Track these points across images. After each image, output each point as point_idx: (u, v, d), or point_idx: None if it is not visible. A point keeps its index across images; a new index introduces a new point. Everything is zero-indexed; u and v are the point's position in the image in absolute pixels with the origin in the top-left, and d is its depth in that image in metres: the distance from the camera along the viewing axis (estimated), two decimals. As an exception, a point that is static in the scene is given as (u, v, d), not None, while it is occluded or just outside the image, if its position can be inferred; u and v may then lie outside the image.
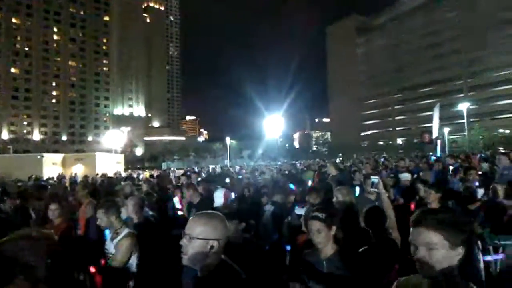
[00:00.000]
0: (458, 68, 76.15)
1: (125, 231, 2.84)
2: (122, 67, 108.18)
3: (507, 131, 55.34)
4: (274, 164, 26.78)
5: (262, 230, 4.24)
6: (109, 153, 28.96)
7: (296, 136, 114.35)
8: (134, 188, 6.23)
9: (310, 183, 8.62)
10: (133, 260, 2.75)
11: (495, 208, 3.64)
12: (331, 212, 2.16)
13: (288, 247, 3.48)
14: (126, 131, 64.09)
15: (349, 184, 5.96)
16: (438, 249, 1.26)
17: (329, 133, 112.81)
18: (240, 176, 11.56)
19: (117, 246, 2.74)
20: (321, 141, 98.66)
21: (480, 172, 7.13)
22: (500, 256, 2.87)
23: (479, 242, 3.13)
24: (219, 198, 4.50)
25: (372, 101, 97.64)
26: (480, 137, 51.32)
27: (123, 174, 17.88)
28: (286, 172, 12.01)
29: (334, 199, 4.05)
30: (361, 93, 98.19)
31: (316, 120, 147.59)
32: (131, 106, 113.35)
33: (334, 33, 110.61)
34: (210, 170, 19.86)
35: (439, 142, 14.07)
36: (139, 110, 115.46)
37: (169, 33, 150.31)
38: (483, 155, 14.81)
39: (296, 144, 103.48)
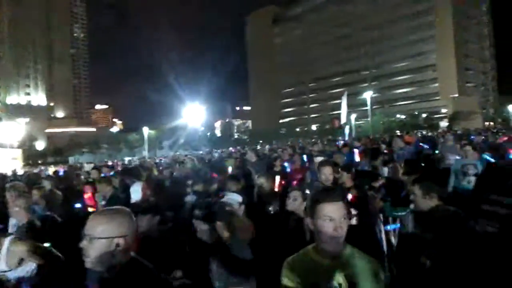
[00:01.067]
0: (363, 60, 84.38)
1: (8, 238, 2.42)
2: (16, 50, 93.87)
3: (403, 117, 63.65)
4: (195, 154, 26.36)
5: (184, 221, 4.11)
6: (3, 148, 25.22)
7: (218, 124, 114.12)
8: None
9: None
10: (27, 268, 2.37)
11: (394, 184, 4.10)
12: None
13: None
14: (24, 123, 56.65)
15: (266, 170, 6.13)
16: (346, 218, 1.49)
17: (250, 121, 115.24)
18: (160, 168, 11.07)
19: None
20: (242, 129, 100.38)
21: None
22: (397, 225, 3.21)
23: (381, 215, 3.51)
24: (136, 192, 4.20)
25: (289, 89, 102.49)
26: (381, 122, 58.01)
27: (20, 172, 15.67)
28: (207, 161, 11.89)
29: (257, 186, 4.12)
30: (279, 82, 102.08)
31: (238, 108, 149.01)
32: (28, 94, 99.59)
33: (252, 22, 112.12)
34: (126, 163, 18.65)
35: (347, 127, 15.40)
36: (38, 98, 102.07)
37: (73, 12, 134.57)
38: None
39: (218, 132, 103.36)
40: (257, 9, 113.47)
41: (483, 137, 12.89)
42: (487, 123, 63.78)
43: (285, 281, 1.53)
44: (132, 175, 5.46)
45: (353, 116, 50.46)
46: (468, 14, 76.62)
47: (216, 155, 18.21)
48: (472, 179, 4.93)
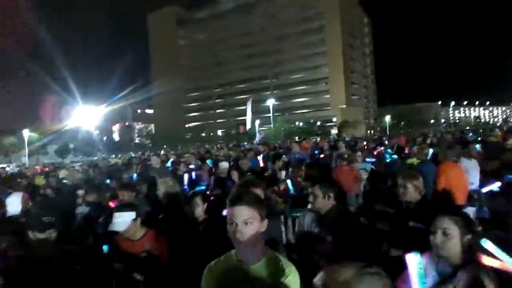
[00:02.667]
0: (265, 69, 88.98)
1: None
2: None
3: (301, 124, 69.21)
4: (88, 160, 23.85)
5: (75, 234, 3.66)
6: None
7: (116, 128, 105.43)
8: None
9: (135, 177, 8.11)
10: None
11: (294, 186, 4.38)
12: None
13: (106, 248, 3.08)
14: None
15: (172, 175, 5.91)
16: (252, 223, 1.46)
17: (152, 125, 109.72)
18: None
19: None
20: (144, 133, 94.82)
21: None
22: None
23: (281, 216, 3.70)
24: (14, 205, 3.57)
25: (195, 93, 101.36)
26: (282, 128, 61.88)
27: None
28: (101, 167, 10.88)
29: (159, 191, 3.90)
30: (184, 85, 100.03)
31: (139, 111, 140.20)
32: None
33: (155, 22, 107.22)
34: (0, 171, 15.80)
35: (258, 134, 15.98)
36: None
37: None
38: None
39: (116, 136, 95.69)
40: (160, 8, 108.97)
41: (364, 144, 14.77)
42: (369, 131, 73.98)
43: (203, 284, 1.54)
44: (7, 185, 4.63)
45: (257, 122, 52.86)
46: (353, 34, 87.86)
47: (113, 161, 16.82)
48: (364, 183, 5.45)
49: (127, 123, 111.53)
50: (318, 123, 70.50)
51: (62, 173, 10.25)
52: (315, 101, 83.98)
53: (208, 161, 9.14)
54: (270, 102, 48.05)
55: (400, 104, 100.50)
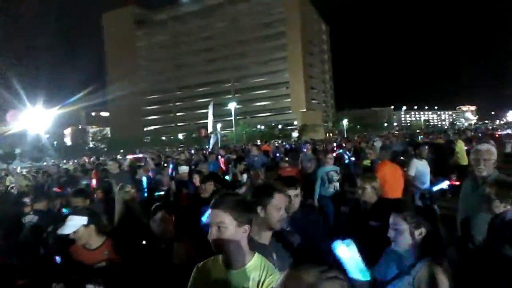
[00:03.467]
0: (227, 72, 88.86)
1: None
2: None
3: (263, 127, 69.81)
4: (37, 166, 22.27)
5: (23, 245, 3.38)
6: None
7: (68, 132, 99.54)
8: None
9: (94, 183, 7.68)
10: None
11: (251, 187, 4.40)
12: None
13: (58, 259, 2.87)
14: None
15: (131, 180, 5.69)
16: (226, 228, 1.43)
17: (108, 128, 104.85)
18: None
19: None
20: (99, 137, 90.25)
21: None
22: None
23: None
24: None
25: (154, 96, 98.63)
26: (244, 132, 62.07)
27: None
28: (51, 173, 10.20)
29: (116, 199, 3.73)
30: (142, 87, 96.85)
31: (93, 114, 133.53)
32: None
33: (111, 22, 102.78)
34: None
35: (212, 136, 15.81)
36: None
37: None
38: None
39: (68, 141, 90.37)
40: (116, 8, 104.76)
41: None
42: (327, 134, 76.46)
43: (190, 282, 1.55)
44: None
45: (219, 126, 52.54)
46: (312, 41, 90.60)
47: (64, 166, 15.85)
48: (337, 184, 5.47)
49: (80, 127, 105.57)
50: (280, 126, 71.66)
51: (8, 180, 9.50)
52: (276, 105, 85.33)
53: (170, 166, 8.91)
54: (232, 106, 48.02)
55: (357, 109, 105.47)
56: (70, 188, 5.52)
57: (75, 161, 24.61)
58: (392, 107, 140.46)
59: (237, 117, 60.30)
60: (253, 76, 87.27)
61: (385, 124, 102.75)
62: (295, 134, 68.26)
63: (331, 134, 76.87)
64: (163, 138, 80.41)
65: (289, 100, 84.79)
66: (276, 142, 29.29)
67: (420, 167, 5.44)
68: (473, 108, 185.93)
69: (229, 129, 59.10)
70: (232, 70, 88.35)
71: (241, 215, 1.48)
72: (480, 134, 15.03)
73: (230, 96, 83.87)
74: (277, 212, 1.79)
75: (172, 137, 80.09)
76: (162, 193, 5.39)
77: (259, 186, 1.94)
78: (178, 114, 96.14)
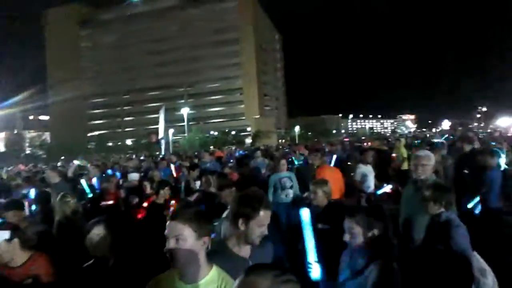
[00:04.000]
0: (179, 77, 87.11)
1: None
2: None
3: (216, 133, 69.24)
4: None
5: None
6: None
7: (2, 136, 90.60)
8: None
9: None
10: None
11: (208, 196, 4.33)
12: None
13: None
14: None
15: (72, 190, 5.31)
16: (185, 240, 1.38)
17: (48, 133, 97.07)
18: None
19: None
20: (37, 143, 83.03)
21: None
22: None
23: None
24: None
25: (99, 99, 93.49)
26: (197, 138, 61.09)
27: None
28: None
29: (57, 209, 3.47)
30: (86, 90, 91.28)
31: (31, 117, 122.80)
32: None
33: (53, 20, 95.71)
34: None
35: (162, 141, 15.36)
36: None
37: None
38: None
39: (2, 147, 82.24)
40: (58, 5, 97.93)
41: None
42: (280, 141, 78.01)
43: None
44: None
45: (171, 131, 51.15)
46: (265, 49, 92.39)
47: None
48: (290, 191, 5.35)
49: (15, 131, 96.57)
50: (233, 132, 71.69)
51: None
52: (229, 111, 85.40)
53: (117, 173, 8.47)
54: (185, 111, 47.05)
55: (308, 116, 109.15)
56: (3, 199, 5.01)
57: (9, 168, 22.35)
58: (340, 115, 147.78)
59: (190, 123, 59.40)
60: (206, 81, 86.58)
61: (334, 131, 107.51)
62: (248, 141, 68.67)
63: (283, 141, 78.60)
64: (110, 144, 76.27)
65: (242, 106, 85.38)
66: (229, 149, 29.25)
67: (365, 171, 5.74)
68: (412, 117, 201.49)
69: (182, 135, 57.84)
70: (184, 74, 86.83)
71: (201, 227, 1.45)
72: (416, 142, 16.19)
73: (182, 101, 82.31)
74: (259, 228, 1.72)
75: (119, 143, 76.32)
76: (111, 202, 5.08)
77: (245, 197, 1.82)
78: (126, 118, 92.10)
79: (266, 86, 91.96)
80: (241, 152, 19.28)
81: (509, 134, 25.09)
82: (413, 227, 2.89)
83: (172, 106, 69.09)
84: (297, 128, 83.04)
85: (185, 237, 1.40)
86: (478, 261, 2.00)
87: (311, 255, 1.93)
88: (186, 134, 53.61)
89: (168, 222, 1.43)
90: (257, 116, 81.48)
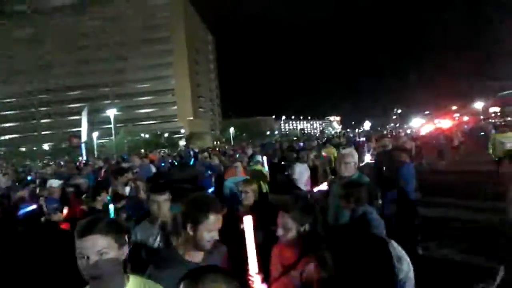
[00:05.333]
0: (105, 76, 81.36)
1: None
2: None
3: (147, 136, 65.95)
4: None
5: None
6: None
7: None
8: None
9: None
10: None
11: (136, 202, 4.10)
12: None
13: None
14: None
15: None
16: (108, 253, 1.28)
17: None
18: None
19: None
20: None
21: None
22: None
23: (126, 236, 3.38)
24: None
25: (10, 100, 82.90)
26: (126, 141, 57.65)
27: None
28: None
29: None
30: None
31: None
32: None
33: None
34: None
35: (82, 145, 14.26)
36: None
37: None
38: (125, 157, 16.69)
39: None
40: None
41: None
42: (215, 142, 77.53)
43: None
44: None
45: (95, 134, 47.52)
46: (198, 50, 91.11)
47: None
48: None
49: None
50: (166, 134, 69.12)
51: None
52: (161, 112, 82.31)
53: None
54: (111, 112, 44.11)
55: (242, 117, 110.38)
56: None
57: None
58: (273, 116, 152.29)
59: (117, 125, 55.95)
60: (135, 81, 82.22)
61: (268, 133, 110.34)
62: (182, 143, 67.00)
63: (218, 142, 78.32)
64: (23, 149, 68.07)
65: (175, 107, 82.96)
66: (162, 151, 28.17)
67: (302, 170, 6.01)
68: (338, 118, 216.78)
69: (108, 138, 54.11)
70: (110, 73, 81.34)
71: (121, 237, 1.37)
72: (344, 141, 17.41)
73: (108, 101, 77.16)
74: (208, 233, 1.66)
75: (35, 148, 68.58)
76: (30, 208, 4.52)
77: (194, 201, 1.74)
78: (42, 121, 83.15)
79: (200, 87, 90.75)
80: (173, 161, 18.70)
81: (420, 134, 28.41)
82: (338, 220, 3.08)
83: (96, 107, 64.56)
84: (231, 130, 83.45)
85: (108, 250, 1.30)
86: (395, 249, 2.17)
87: (252, 266, 1.92)
88: (113, 137, 50.25)
89: (82, 238, 1.29)
90: (191, 118, 79.95)
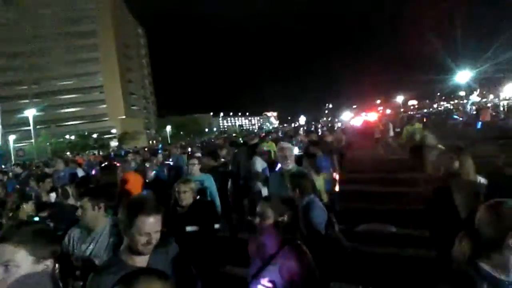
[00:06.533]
0: (19, 72, 72.82)
1: None
2: None
3: (73, 137, 60.56)
4: None
5: None
6: None
7: None
8: None
9: None
10: None
11: (62, 208, 3.81)
12: None
13: None
14: None
15: None
16: (18, 267, 1.15)
17: None
18: None
19: None
20: None
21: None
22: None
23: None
24: None
25: None
26: (48, 143, 52.45)
27: None
28: None
29: None
30: None
31: None
32: None
33: None
34: None
35: None
36: None
37: None
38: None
39: None
40: None
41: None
42: (150, 142, 74.35)
43: None
44: None
45: (12, 138, 42.42)
46: (128, 44, 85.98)
47: None
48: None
49: None
50: (95, 135, 64.27)
51: None
52: (89, 112, 76.22)
53: None
54: (30, 113, 39.78)
55: (179, 115, 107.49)
56: None
57: None
58: (212, 113, 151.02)
59: (38, 127, 50.70)
60: (57, 78, 74.79)
61: (206, 130, 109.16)
62: (114, 143, 63.06)
63: (154, 142, 75.27)
64: None
65: (104, 106, 77.45)
66: (92, 153, 26.27)
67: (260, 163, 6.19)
68: (275, 113, 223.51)
69: (28, 141, 48.68)
70: (28, 69, 73.02)
71: (40, 248, 1.20)
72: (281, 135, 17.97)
73: (26, 101, 69.35)
74: (141, 237, 1.53)
75: None
76: None
77: (126, 204, 1.62)
78: None
79: (132, 84, 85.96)
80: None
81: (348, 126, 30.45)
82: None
83: (12, 107, 57.72)
84: (168, 128, 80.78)
85: (17, 263, 1.15)
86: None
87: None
88: (33, 140, 45.35)
89: None
90: (123, 117, 75.51)
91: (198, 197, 3.39)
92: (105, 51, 75.43)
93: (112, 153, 24.24)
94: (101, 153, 37.24)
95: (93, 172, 9.70)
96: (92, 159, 16.92)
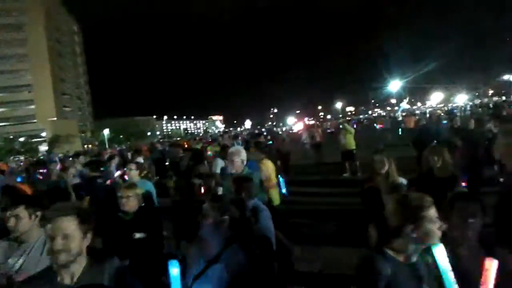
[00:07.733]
0: None
1: None
2: None
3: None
4: None
5: None
6: None
7: None
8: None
9: None
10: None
11: None
12: None
13: None
14: None
15: None
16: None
17: None
18: None
19: None
20: None
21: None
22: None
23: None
24: None
25: None
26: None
27: None
28: None
29: None
30: None
31: None
32: None
33: None
34: None
35: None
36: None
37: None
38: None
39: None
40: None
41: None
42: (86, 146, 69.31)
43: None
44: None
45: None
46: (61, 41, 79.49)
47: None
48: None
49: None
50: (22, 139, 58.03)
51: None
52: (15, 113, 68.79)
53: None
54: None
55: (118, 117, 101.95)
56: None
57: None
58: (154, 116, 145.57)
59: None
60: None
61: (149, 133, 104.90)
62: (43, 148, 57.70)
63: (90, 146, 70.38)
64: None
65: (33, 106, 70.44)
66: (17, 159, 23.79)
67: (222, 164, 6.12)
68: (221, 117, 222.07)
69: None
70: None
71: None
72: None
73: None
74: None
75: None
76: None
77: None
78: None
79: (65, 84, 79.42)
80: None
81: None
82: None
83: None
84: (106, 131, 76.10)
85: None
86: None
87: None
88: None
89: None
90: (54, 119, 69.38)
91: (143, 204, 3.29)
92: (34, 48, 68.71)
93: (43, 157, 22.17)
94: (29, 158, 33.86)
95: (18, 180, 8.76)
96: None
